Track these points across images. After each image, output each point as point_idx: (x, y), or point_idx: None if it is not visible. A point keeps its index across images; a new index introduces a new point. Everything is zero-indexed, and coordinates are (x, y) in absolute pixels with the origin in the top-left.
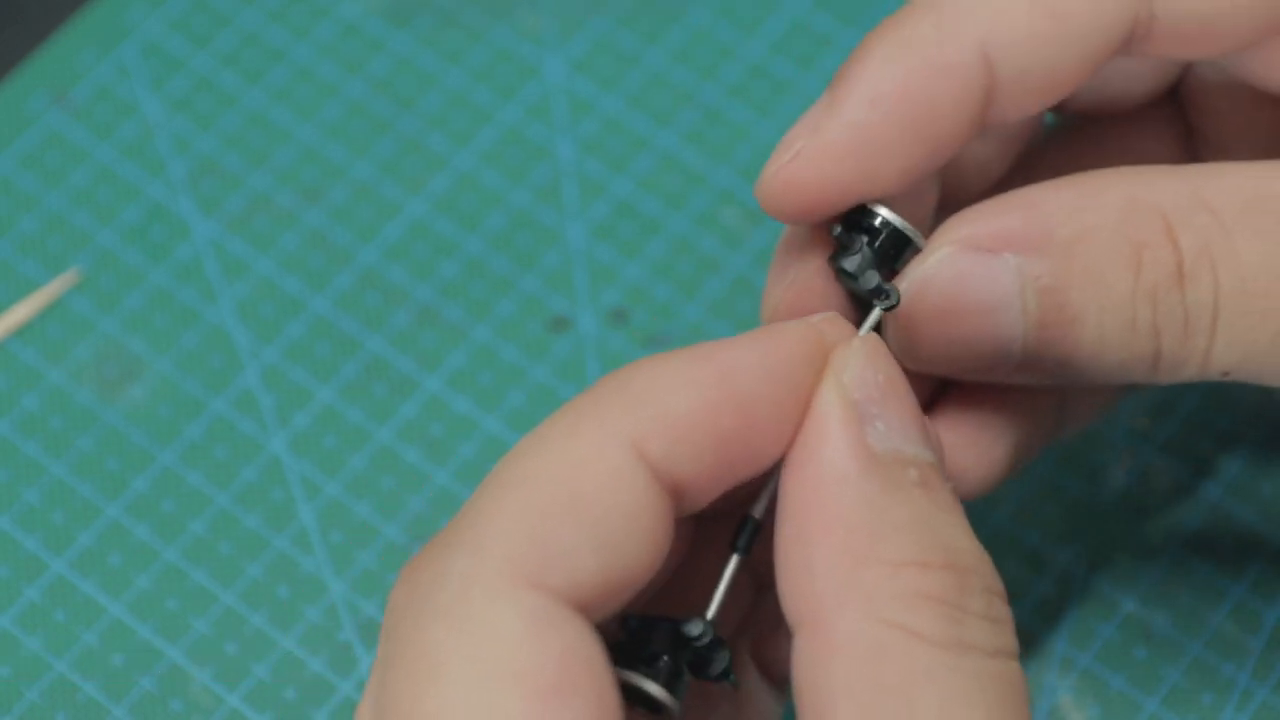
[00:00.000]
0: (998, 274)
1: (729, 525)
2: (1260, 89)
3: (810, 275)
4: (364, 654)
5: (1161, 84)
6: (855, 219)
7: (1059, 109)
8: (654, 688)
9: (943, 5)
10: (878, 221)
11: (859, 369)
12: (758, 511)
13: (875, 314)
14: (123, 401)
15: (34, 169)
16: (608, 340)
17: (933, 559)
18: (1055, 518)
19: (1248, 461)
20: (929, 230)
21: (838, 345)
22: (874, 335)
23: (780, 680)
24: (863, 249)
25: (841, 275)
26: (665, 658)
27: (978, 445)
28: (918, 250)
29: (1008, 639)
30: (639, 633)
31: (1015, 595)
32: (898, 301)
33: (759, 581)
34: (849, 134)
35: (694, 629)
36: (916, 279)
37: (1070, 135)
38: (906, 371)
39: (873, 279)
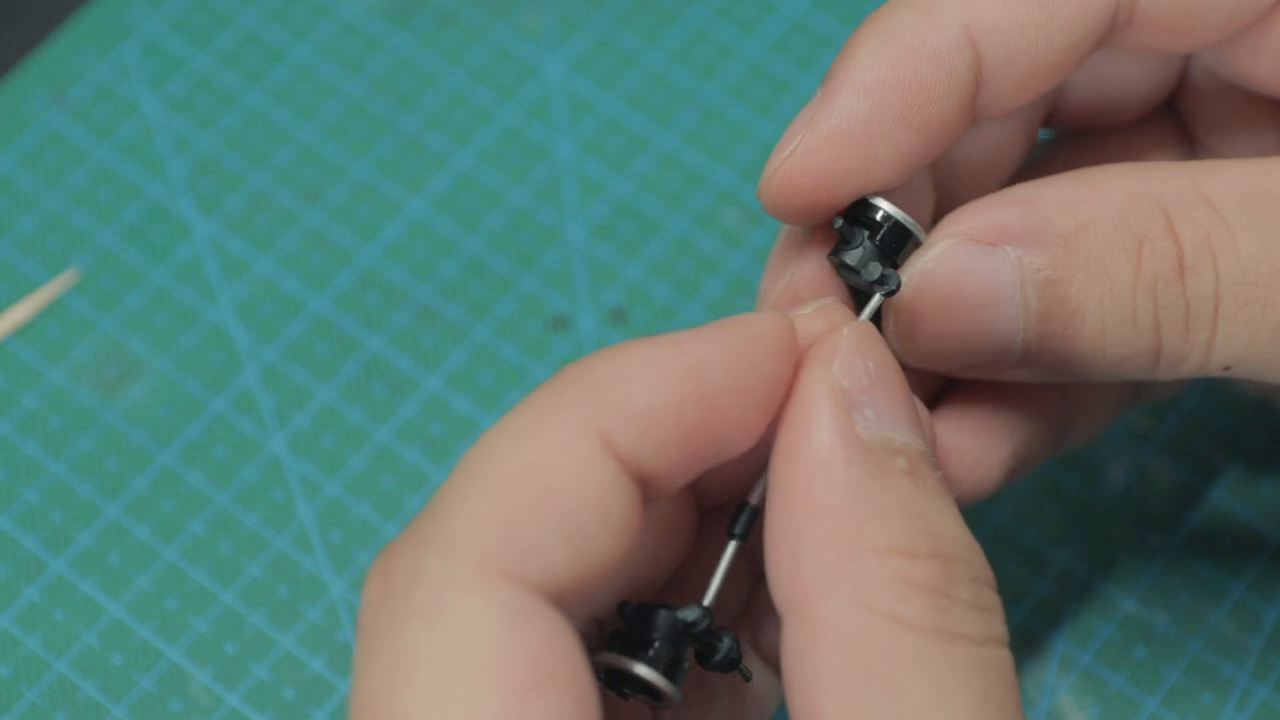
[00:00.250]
0: (998, 266)
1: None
2: (1254, 90)
3: (807, 280)
4: None
5: (1158, 91)
6: (856, 213)
7: (1060, 121)
8: (652, 674)
9: None
10: (879, 215)
11: (848, 356)
12: (755, 498)
13: (875, 301)
14: (122, 401)
15: (34, 169)
16: (608, 340)
17: (920, 547)
18: (1055, 518)
19: (1248, 461)
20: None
21: (830, 333)
22: (866, 323)
23: (779, 667)
24: (864, 242)
25: (842, 269)
26: (658, 644)
27: (978, 448)
28: (918, 244)
29: (997, 627)
30: (637, 620)
31: (1015, 595)
32: (898, 286)
33: (758, 569)
34: (844, 124)
35: (690, 614)
36: (916, 272)
37: (1070, 148)
38: (907, 369)
39: (875, 270)
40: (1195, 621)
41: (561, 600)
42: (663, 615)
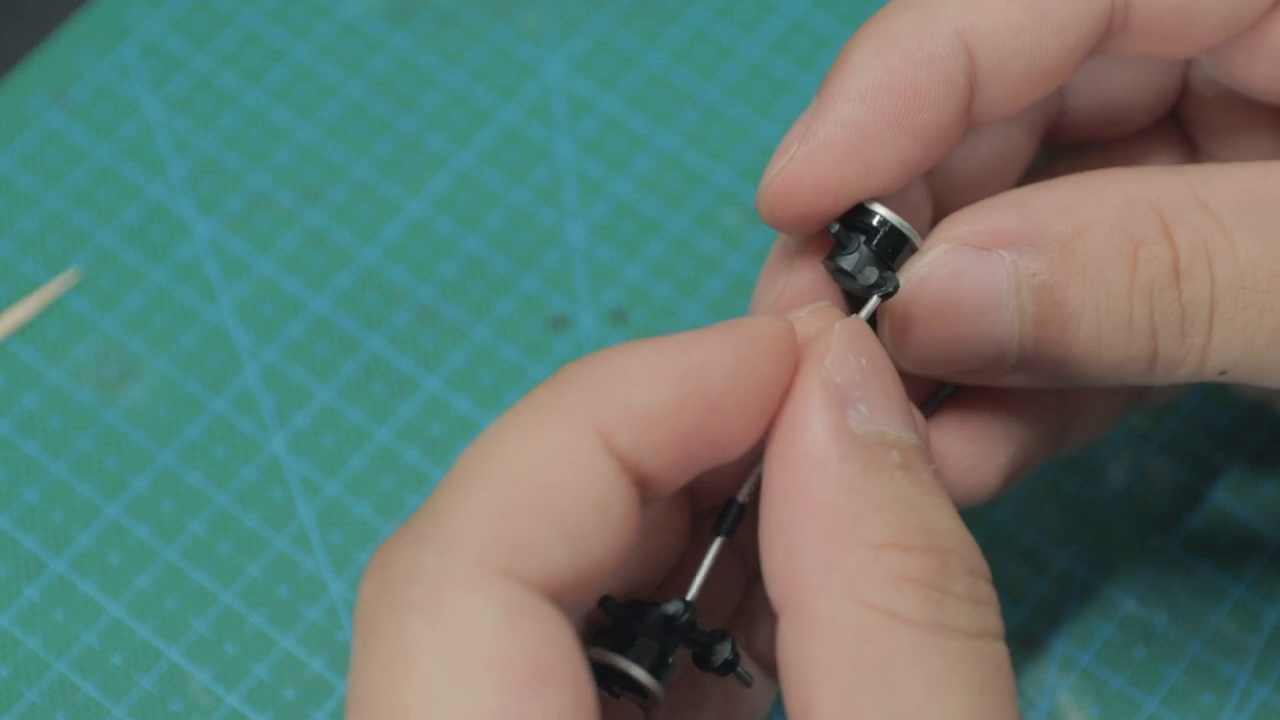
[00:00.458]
0: (994, 271)
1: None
2: (1251, 95)
3: (801, 288)
4: None
5: (1160, 101)
6: (852, 218)
7: (1064, 136)
8: (636, 670)
9: (921, 0)
10: (875, 220)
11: (840, 352)
12: (742, 495)
13: (872, 304)
14: (122, 401)
15: (34, 169)
16: (608, 340)
17: (914, 541)
18: (1055, 518)
19: (1248, 461)
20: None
21: (822, 330)
22: (858, 319)
23: (772, 667)
24: (860, 248)
25: (838, 274)
26: (641, 638)
27: (975, 454)
28: (915, 249)
29: (992, 620)
30: (621, 616)
31: (1015, 595)
32: (895, 288)
33: (751, 570)
34: (841, 130)
35: (671, 607)
36: (912, 277)
37: (1073, 157)
38: (904, 375)
39: (871, 275)
40: (1195, 621)
41: (559, 598)
42: (645, 609)
